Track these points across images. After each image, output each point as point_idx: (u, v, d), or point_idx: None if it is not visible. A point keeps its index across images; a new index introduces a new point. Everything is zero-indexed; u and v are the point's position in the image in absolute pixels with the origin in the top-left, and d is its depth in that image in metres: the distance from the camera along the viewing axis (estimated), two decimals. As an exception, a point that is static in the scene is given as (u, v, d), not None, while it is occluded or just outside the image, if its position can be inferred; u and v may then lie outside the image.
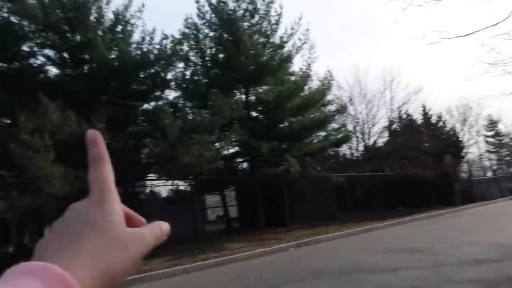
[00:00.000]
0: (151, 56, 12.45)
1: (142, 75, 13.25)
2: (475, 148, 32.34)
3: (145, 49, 13.07)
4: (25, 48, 12.16)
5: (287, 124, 17.60)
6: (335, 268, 8.13)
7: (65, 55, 12.55)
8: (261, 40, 17.34)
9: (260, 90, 17.74)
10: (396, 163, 22.09)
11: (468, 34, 6.87)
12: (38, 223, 14.60)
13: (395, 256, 8.89)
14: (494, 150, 35.59)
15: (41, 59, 12.63)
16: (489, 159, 34.39)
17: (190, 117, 13.41)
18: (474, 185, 25.86)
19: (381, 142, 25.35)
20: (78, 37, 12.00)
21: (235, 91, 17.64)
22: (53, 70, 13.08)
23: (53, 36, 11.96)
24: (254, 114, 17.95)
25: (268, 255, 10.86)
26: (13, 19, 11.42)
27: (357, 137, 24.69)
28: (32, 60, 12.51)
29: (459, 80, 65.56)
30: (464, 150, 28.06)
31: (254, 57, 15.76)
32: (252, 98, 17.41)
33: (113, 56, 12.46)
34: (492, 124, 36.52)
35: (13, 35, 11.36)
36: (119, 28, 13.02)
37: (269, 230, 15.52)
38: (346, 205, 18.80)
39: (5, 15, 11.38)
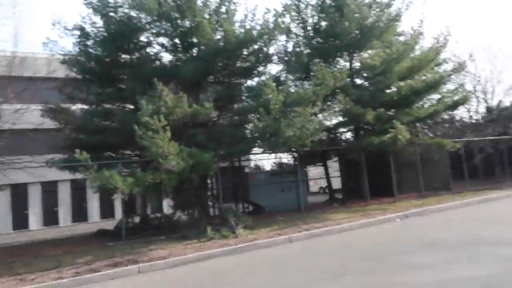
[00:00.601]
0: (254, 32, 12.65)
1: (245, 52, 13.62)
2: None
3: (248, 26, 13.31)
4: (142, 38, 13.52)
5: (395, 89, 16.60)
6: (448, 240, 7.75)
7: (177, 41, 13.56)
8: (367, 1, 16.39)
9: (366, 55, 16.90)
10: (528, 125, 19.35)
11: None
12: (158, 196, 16.59)
13: (522, 229, 8.06)
14: None
15: (156, 47, 13.93)
16: None
17: (292, 90, 13.52)
18: None
19: (508, 101, 22.24)
20: (187, 23, 12.82)
21: (339, 59, 17.12)
22: (166, 57, 14.35)
23: (166, 24, 12.98)
24: (358, 81, 17.29)
25: (373, 226, 10.80)
26: (132, 13, 12.71)
27: (477, 97, 22.06)
28: (148, 49, 13.89)
29: None
30: None
31: (359, 21, 15.08)
32: (357, 64, 16.72)
33: (219, 36, 13.02)
34: None
35: (132, 28, 12.68)
36: (224, 8, 13.45)
37: (374, 201, 15.22)
38: (462, 174, 17.24)
39: (126, 10, 12.72)
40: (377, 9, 16.23)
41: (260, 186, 16.02)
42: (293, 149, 14.60)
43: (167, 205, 19.01)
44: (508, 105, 21.91)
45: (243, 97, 14.81)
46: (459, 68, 18.38)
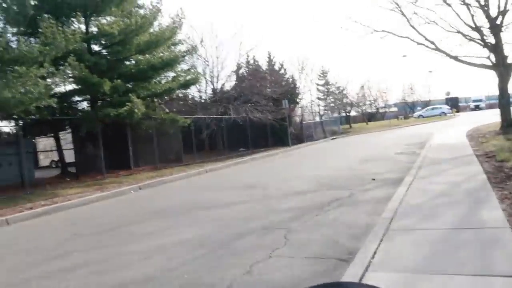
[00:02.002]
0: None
1: None
2: (309, 95, 36.58)
3: None
4: None
5: (134, 62, 16.59)
6: (174, 207, 8.48)
7: None
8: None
9: (104, 21, 16.06)
10: (241, 107, 23.38)
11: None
12: None
13: (232, 193, 9.74)
14: (323, 97, 41.03)
15: None
16: (318, 105, 39.48)
17: (13, 46, 11.40)
18: (305, 128, 29.58)
19: (228, 86, 26.19)
20: None
21: (73, 19, 15.56)
22: None
23: None
24: (96, 48, 16.32)
25: (108, 199, 10.63)
26: None
27: (206, 79, 24.93)
28: None
29: (300, 32, 71.83)
30: (300, 96, 31.35)
31: (98, -18, 14.05)
32: (94, 29, 15.68)
33: None
34: (323, 74, 41.69)
35: None
36: None
37: (110, 174, 14.96)
38: (192, 147, 19.31)
39: None
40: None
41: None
42: (15, 116, 12.43)
43: None
44: (229, 89, 25.79)
45: None
46: (192, 50, 20.17)
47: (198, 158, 18.94)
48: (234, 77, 26.46)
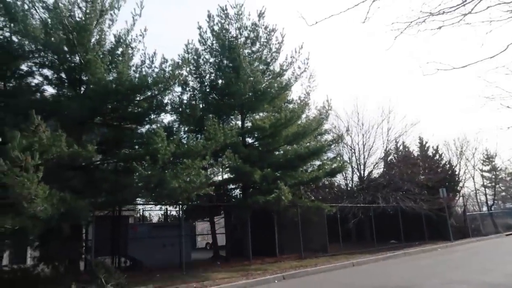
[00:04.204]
0: (149, 79, 12.51)
1: (138, 98, 13.32)
2: (471, 182, 32.25)
3: (144, 72, 13.22)
4: (23, 67, 12.31)
5: (282, 152, 17.60)
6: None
7: (63, 75, 12.68)
8: (261, 67, 17.61)
9: (257, 116, 17.87)
10: (391, 195, 21.92)
11: (464, 66, 6.92)
12: (22, 246, 14.32)
13: (381, 294, 8.71)
14: (490, 185, 35.40)
15: (38, 79, 12.72)
16: (485, 194, 34.15)
17: (183, 141, 13.41)
18: (469, 220, 25.66)
19: (376, 173, 25.18)
20: (77, 58, 12.16)
21: (232, 117, 17.79)
22: (50, 90, 13.21)
23: (53, 56, 12.12)
24: (249, 140, 18.01)
25: (252, 287, 10.64)
26: (14, 38, 11.62)
27: (352, 167, 24.57)
28: (29, 80, 12.63)
29: (456, 113, 66.43)
30: (460, 184, 27.89)
31: (252, 84, 15.93)
32: (248, 124, 17.48)
33: (111, 78, 12.58)
34: (489, 158, 36.51)
35: (12, 54, 11.51)
36: (119, 50, 13.22)
37: (257, 260, 15.28)
38: (337, 236, 18.56)
39: (7, 34, 11.60)
40: (270, 76, 17.53)
41: (141, 239, 14.98)
42: (179, 202, 14.17)
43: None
44: (376, 176, 24.74)
45: (132, 143, 14.16)
46: (338, 139, 20.45)
47: (344, 249, 17.99)
48: (382, 164, 25.47)
